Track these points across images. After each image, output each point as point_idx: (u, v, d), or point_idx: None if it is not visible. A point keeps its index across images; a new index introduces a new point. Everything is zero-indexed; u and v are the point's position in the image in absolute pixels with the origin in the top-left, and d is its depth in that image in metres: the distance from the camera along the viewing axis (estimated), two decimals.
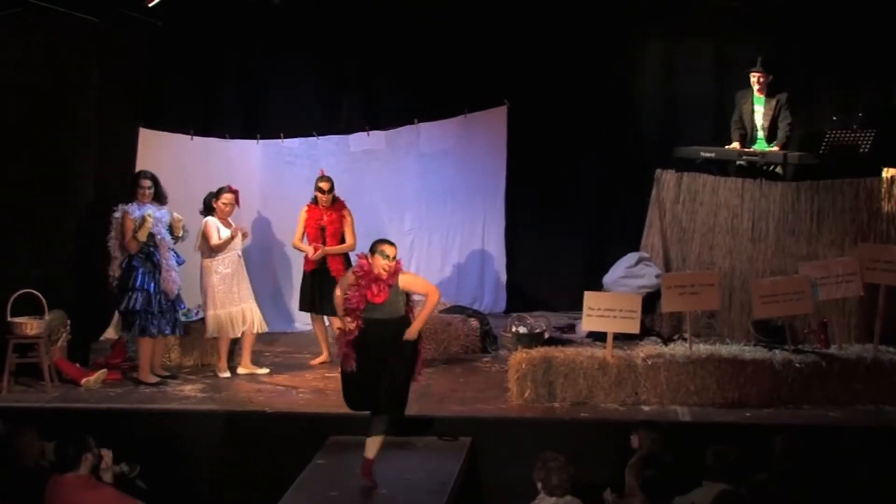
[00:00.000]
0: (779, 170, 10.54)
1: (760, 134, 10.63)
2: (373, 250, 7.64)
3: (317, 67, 11.89)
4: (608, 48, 11.65)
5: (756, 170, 10.58)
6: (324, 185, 10.17)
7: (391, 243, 7.69)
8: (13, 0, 9.46)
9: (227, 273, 9.83)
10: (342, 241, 10.25)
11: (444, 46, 11.54)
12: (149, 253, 9.48)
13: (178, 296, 9.76)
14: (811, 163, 10.41)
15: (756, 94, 10.57)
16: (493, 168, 11.96)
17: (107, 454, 6.96)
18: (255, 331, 9.99)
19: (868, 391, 8.84)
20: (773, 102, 10.53)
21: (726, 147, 10.66)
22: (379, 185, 11.76)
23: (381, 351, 7.54)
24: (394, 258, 7.60)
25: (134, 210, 9.46)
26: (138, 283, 9.43)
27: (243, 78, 11.98)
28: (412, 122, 11.81)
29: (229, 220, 9.91)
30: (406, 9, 11.36)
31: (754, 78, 10.53)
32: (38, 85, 10.07)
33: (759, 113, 10.60)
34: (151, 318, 9.51)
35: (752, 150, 10.53)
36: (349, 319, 7.64)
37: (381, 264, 7.55)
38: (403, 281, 7.67)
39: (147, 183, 9.56)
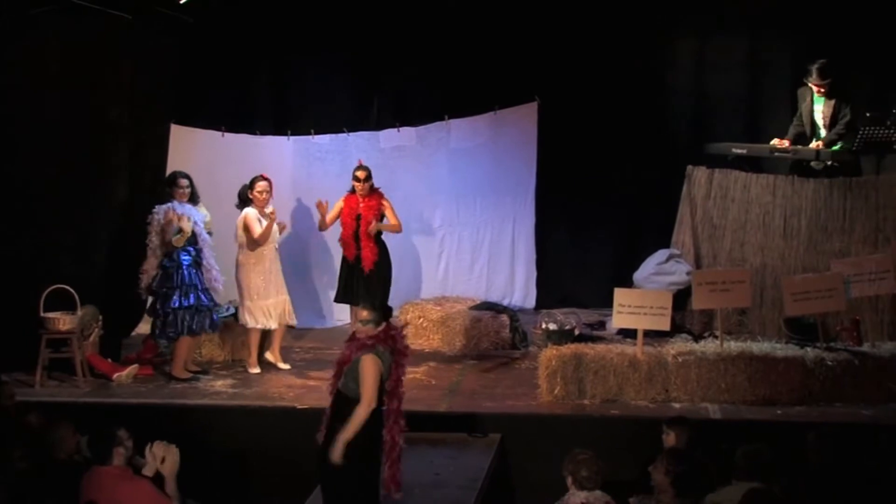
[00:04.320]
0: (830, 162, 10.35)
1: (824, 133, 10.40)
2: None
3: (347, 64, 11.92)
4: (639, 44, 11.62)
5: (809, 168, 10.40)
6: (360, 174, 10.27)
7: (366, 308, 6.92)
8: None
9: (264, 265, 9.89)
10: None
11: (475, 43, 11.54)
12: (197, 251, 9.56)
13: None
14: (845, 159, 10.34)
15: (816, 95, 10.35)
16: (524, 164, 11.96)
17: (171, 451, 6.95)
18: (285, 323, 10.06)
19: None
20: (833, 101, 10.30)
21: (771, 143, 10.55)
22: (409, 182, 11.78)
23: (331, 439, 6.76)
24: (368, 322, 6.80)
25: (176, 208, 9.53)
26: (186, 280, 9.49)
27: (274, 75, 12.04)
28: (442, 119, 11.83)
29: (265, 209, 9.95)
30: (437, 5, 11.37)
31: (814, 88, 10.30)
32: (72, 82, 10.17)
33: (819, 112, 10.38)
34: (198, 316, 9.57)
35: (784, 146, 10.44)
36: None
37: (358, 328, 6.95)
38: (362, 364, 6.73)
39: (185, 182, 9.63)
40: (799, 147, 10.38)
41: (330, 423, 6.82)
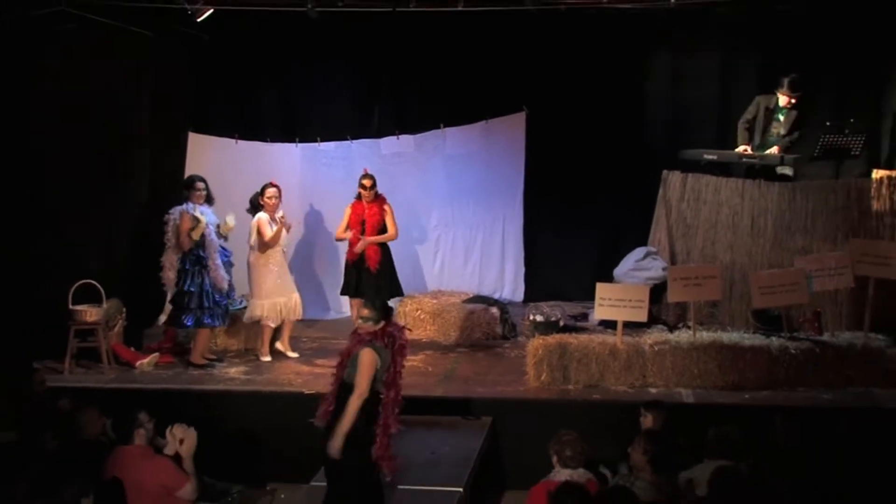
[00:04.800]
0: (788, 171, 10.35)
1: (775, 139, 10.37)
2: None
3: (351, 77, 11.94)
4: (619, 58, 11.63)
5: (765, 172, 10.39)
6: (366, 182, 10.32)
7: (367, 307, 6.91)
8: (74, 16, 9.58)
9: (274, 267, 9.91)
10: (382, 232, 10.35)
11: (468, 57, 11.55)
12: (198, 256, 9.59)
13: (231, 286, 9.88)
14: (806, 164, 10.37)
15: (781, 105, 10.29)
16: (513, 169, 11.98)
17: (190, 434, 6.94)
18: (293, 318, 10.08)
19: (858, 375, 8.84)
20: (795, 113, 10.29)
21: (736, 150, 10.55)
22: (408, 186, 11.80)
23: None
24: (368, 320, 6.81)
25: (192, 209, 9.57)
26: (192, 287, 9.53)
27: (283, 86, 12.06)
28: (438, 127, 11.85)
29: (275, 214, 9.96)
30: (433, 23, 11.38)
31: (783, 99, 10.23)
32: (98, 93, 10.18)
33: (779, 122, 10.34)
34: (207, 312, 9.60)
35: (751, 153, 10.45)
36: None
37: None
38: (360, 356, 6.77)
39: (202, 185, 9.68)
40: (765, 153, 10.41)
41: (335, 412, 6.82)
